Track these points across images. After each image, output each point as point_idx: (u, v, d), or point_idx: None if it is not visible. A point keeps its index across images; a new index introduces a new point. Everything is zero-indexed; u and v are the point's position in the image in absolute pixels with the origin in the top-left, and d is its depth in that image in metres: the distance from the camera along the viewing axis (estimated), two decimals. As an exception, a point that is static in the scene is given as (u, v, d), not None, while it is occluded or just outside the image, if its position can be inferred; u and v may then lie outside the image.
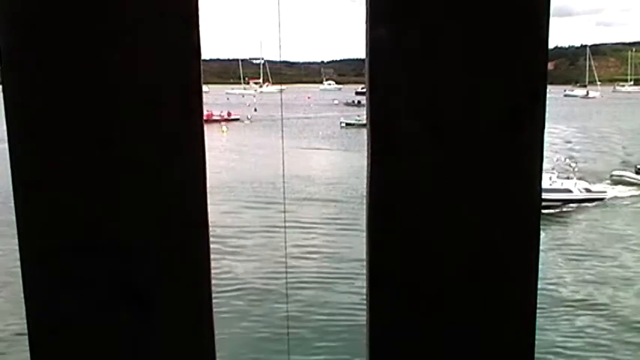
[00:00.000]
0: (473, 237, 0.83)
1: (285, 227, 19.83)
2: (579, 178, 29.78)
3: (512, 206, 0.82)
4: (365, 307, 0.87)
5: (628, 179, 33.08)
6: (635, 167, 34.13)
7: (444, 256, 0.83)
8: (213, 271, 0.83)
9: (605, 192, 29.53)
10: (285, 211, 19.69)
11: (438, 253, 0.83)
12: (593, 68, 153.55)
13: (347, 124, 60.08)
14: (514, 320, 0.86)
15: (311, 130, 56.87)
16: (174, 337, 0.85)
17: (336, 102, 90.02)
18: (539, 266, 0.84)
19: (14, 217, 0.80)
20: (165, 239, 0.82)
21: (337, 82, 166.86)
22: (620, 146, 44.24)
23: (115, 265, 0.81)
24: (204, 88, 0.85)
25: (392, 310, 0.85)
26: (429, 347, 0.86)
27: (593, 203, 28.13)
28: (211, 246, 0.83)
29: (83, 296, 0.82)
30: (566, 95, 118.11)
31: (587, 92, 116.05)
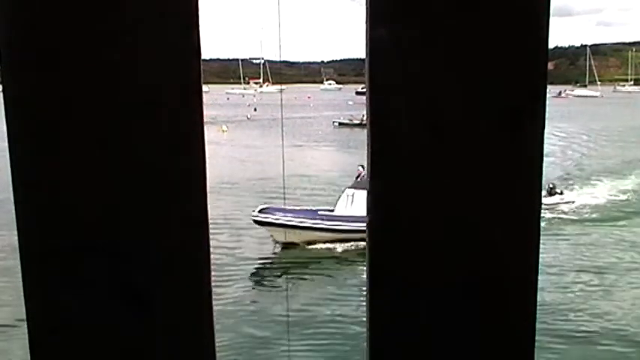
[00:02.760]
0: (473, 237, 0.83)
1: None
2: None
3: (513, 206, 0.82)
4: (365, 307, 0.86)
5: None
6: (548, 186, 27.06)
7: (444, 256, 0.83)
8: None
9: None
10: (285, 204, 20.00)
11: (438, 253, 0.83)
12: (594, 68, 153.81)
13: (340, 124, 60.19)
14: (514, 320, 0.85)
15: (310, 128, 57.02)
16: (174, 337, 0.84)
17: (350, 103, 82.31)
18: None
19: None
20: (165, 239, 0.81)
21: (337, 82, 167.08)
22: (579, 153, 39.72)
23: (115, 265, 0.81)
24: (204, 88, 0.85)
25: (392, 310, 0.84)
26: (429, 347, 0.86)
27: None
28: None
29: (83, 296, 0.82)
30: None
31: (560, 92, 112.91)
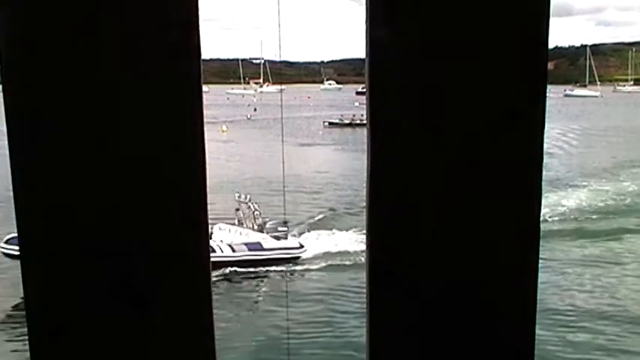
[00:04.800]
0: (473, 237, 0.83)
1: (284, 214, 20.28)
2: (266, 225, 20.00)
3: (512, 206, 0.83)
4: (365, 307, 0.87)
5: None
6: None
7: (444, 256, 0.84)
8: None
9: (299, 248, 19.26)
10: (284, 200, 20.05)
11: (438, 253, 0.84)
12: (594, 68, 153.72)
13: (330, 124, 59.80)
14: (513, 320, 0.86)
15: (310, 128, 57.20)
16: (174, 337, 0.85)
17: (356, 104, 74.35)
18: None
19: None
20: (165, 239, 0.82)
21: (337, 82, 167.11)
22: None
23: (114, 265, 0.82)
24: (204, 88, 0.86)
25: (392, 310, 0.85)
26: (430, 347, 0.87)
27: (281, 266, 18.36)
28: None
29: (83, 296, 0.83)
30: (566, 95, 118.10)
31: None
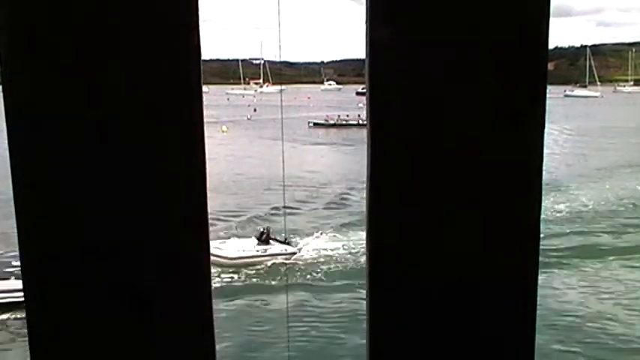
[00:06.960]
0: (473, 237, 0.83)
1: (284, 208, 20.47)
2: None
3: (512, 207, 0.83)
4: (365, 307, 0.86)
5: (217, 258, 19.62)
6: (261, 231, 22.15)
7: (444, 257, 0.83)
8: None
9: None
10: (284, 194, 20.17)
11: (438, 252, 0.83)
12: (594, 69, 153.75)
13: (315, 124, 60.23)
14: (513, 320, 0.85)
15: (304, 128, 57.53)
16: (174, 337, 0.84)
17: (360, 105, 71.21)
18: None
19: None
20: (165, 239, 0.82)
21: (337, 83, 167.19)
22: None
23: (115, 265, 0.81)
24: (204, 88, 0.84)
25: (392, 310, 0.85)
26: (430, 347, 0.85)
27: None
28: None
29: (83, 296, 0.82)
30: (566, 96, 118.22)
31: None
